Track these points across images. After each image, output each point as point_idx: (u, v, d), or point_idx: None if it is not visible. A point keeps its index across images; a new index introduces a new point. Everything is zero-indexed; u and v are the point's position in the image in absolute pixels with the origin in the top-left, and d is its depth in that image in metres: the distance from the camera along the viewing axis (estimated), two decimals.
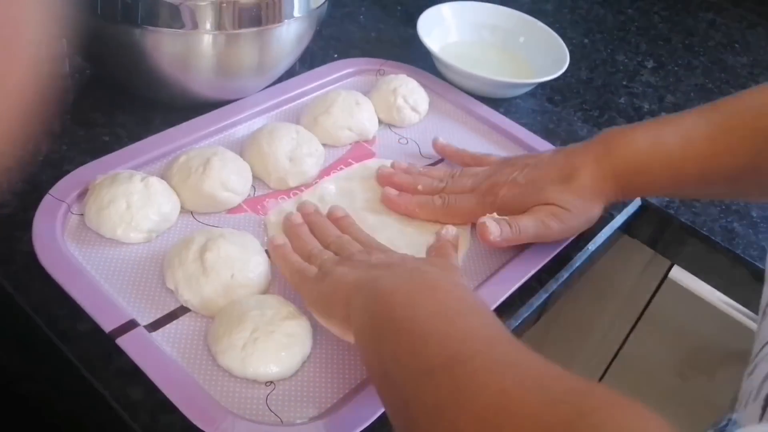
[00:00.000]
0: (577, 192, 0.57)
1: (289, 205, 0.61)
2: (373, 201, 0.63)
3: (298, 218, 0.58)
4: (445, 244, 0.53)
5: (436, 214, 0.61)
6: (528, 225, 0.56)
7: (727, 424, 0.43)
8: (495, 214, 0.56)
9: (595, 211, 0.59)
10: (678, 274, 0.76)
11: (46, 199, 0.55)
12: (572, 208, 0.57)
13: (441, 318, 0.40)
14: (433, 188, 0.62)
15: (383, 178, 0.64)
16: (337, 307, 0.47)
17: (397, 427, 0.39)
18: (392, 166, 0.65)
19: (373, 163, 0.67)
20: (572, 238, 0.62)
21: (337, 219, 0.59)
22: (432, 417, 0.35)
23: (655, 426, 0.31)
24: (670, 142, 0.56)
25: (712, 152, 0.55)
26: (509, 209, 0.58)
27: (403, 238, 0.60)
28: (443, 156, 0.69)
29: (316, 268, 0.51)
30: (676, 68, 0.94)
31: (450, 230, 0.55)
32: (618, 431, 0.30)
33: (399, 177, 0.64)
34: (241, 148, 0.64)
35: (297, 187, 0.63)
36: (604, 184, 0.57)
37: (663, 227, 0.71)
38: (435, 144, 0.69)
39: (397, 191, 0.62)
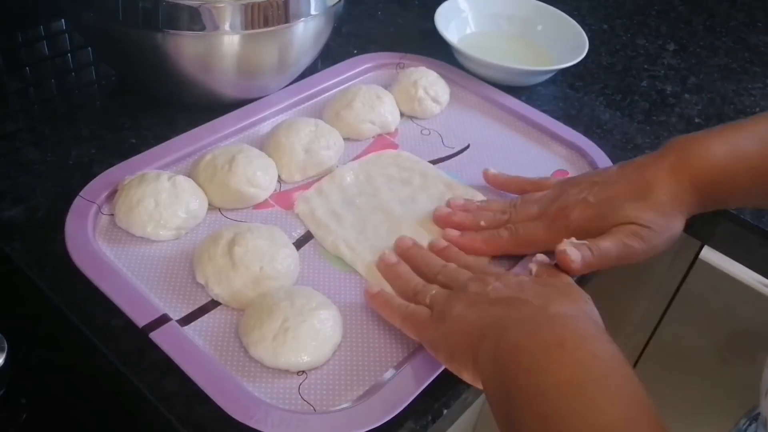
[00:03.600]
0: (656, 208, 0.53)
1: (310, 193, 0.62)
2: (394, 187, 0.63)
3: (392, 257, 0.56)
4: (563, 258, 0.50)
5: (506, 248, 0.57)
6: (609, 247, 0.52)
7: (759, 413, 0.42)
8: (573, 239, 0.52)
9: (677, 226, 0.54)
10: (709, 254, 0.75)
11: (77, 201, 0.56)
12: (654, 225, 0.53)
13: (566, 393, 0.37)
14: (497, 221, 0.58)
15: (442, 220, 0.59)
16: (463, 353, 0.45)
17: None
18: (448, 204, 0.61)
19: (388, 152, 0.67)
20: None
21: (440, 250, 0.56)
22: None
23: None
24: (749, 149, 0.53)
25: None
26: (583, 232, 0.53)
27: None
28: (495, 187, 0.64)
29: (427, 308, 0.49)
30: (698, 50, 0.93)
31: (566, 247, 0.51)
32: None
33: (458, 216, 0.59)
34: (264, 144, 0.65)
35: (316, 178, 0.63)
36: (684, 197, 0.54)
37: None
38: (486, 174, 0.64)
39: (459, 231, 0.58)
